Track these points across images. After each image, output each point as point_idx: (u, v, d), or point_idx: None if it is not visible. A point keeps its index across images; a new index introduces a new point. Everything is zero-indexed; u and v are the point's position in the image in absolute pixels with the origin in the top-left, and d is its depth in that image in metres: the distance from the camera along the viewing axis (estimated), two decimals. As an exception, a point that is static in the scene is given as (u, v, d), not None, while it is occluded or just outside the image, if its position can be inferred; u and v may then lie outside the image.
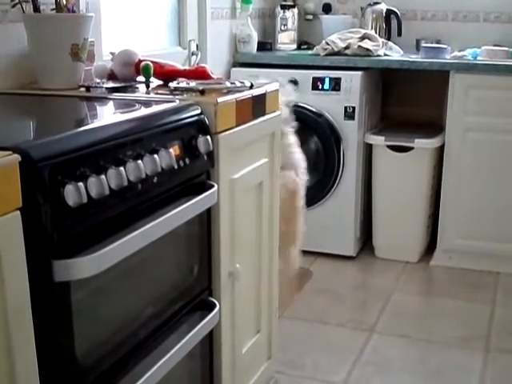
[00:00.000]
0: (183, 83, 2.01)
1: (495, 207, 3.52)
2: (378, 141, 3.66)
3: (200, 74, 2.12)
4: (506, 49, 3.62)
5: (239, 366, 2.14)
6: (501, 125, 3.42)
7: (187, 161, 1.65)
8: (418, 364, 2.70)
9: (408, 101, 4.07)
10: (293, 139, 2.64)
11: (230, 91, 1.96)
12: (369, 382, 2.57)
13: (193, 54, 3.32)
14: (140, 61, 2.12)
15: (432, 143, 3.59)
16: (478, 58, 3.62)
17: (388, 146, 3.63)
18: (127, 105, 1.79)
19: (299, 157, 2.69)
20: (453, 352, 2.81)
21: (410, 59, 3.58)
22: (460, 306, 3.24)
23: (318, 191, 3.72)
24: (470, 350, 2.81)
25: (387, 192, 3.70)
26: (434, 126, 3.78)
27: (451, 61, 3.51)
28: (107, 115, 1.91)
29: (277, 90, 2.23)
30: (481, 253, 3.58)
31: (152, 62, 2.09)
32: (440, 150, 3.62)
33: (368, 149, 3.75)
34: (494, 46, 3.69)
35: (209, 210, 1.83)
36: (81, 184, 1.24)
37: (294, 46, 4.05)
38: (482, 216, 3.55)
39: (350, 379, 2.58)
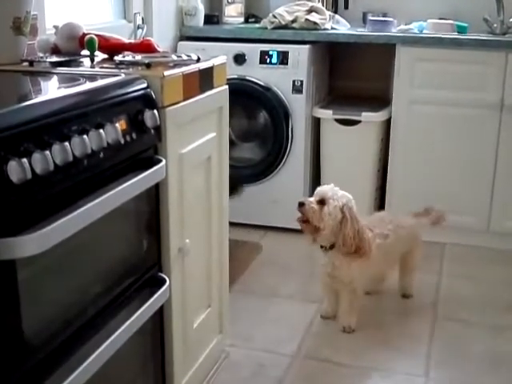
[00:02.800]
0: (129, 57, 1.98)
1: (441, 179, 3.58)
2: (325, 114, 3.68)
3: (146, 47, 2.10)
4: (452, 22, 3.66)
5: (190, 341, 2.14)
6: (446, 98, 3.47)
7: (134, 135, 1.63)
8: (368, 334, 2.74)
9: (355, 74, 4.09)
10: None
11: (176, 65, 1.94)
12: (319, 353, 2.60)
13: (138, 28, 3.27)
14: (84, 34, 2.08)
15: (379, 116, 3.62)
16: (424, 31, 3.65)
17: (336, 120, 3.65)
18: (71, 79, 1.75)
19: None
20: (402, 321, 2.86)
21: (357, 33, 3.59)
22: (407, 276, 3.29)
23: (266, 166, 3.73)
24: (418, 319, 2.87)
25: (335, 165, 3.72)
26: (380, 100, 3.81)
27: (397, 34, 3.54)
28: (51, 90, 1.87)
29: (224, 63, 2.21)
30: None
31: (96, 35, 2.06)
32: (387, 123, 3.65)
33: (316, 122, 3.76)
34: (440, 19, 3.73)
35: (157, 186, 1.81)
36: (25, 160, 1.21)
37: (242, 19, 4.02)
38: (428, 188, 3.60)
39: (301, 351, 2.61)
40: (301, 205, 2.63)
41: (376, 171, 3.74)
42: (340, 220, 2.60)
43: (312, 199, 2.64)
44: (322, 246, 2.70)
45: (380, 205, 3.82)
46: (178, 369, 2.04)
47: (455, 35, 3.51)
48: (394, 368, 2.51)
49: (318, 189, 2.70)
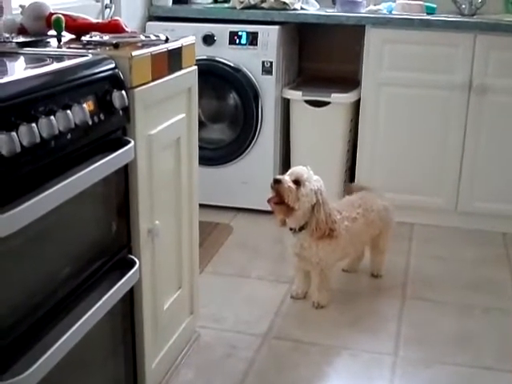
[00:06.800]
0: (96, 37, 1.96)
1: (409, 160, 3.61)
2: (295, 96, 3.67)
3: (113, 27, 2.07)
4: (421, 3, 3.67)
5: (161, 323, 2.14)
6: (415, 79, 3.49)
7: (102, 116, 1.61)
8: (338, 313, 2.76)
9: (325, 56, 4.09)
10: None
11: (144, 45, 1.92)
12: (290, 332, 2.62)
13: (106, 7, 3.23)
14: (51, 14, 2.05)
15: (348, 98, 3.63)
16: (393, 12, 3.66)
17: (305, 101, 3.65)
18: (38, 59, 1.73)
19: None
20: (372, 300, 2.89)
21: (327, 13, 3.59)
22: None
23: (237, 147, 3.72)
24: (387, 298, 2.90)
25: (305, 146, 3.73)
26: (350, 81, 3.81)
27: (367, 15, 3.54)
28: (17, 70, 1.84)
29: (193, 43, 2.20)
30: (396, 205, 3.66)
31: (64, 15, 2.03)
32: (356, 105, 3.66)
33: (286, 104, 3.76)
34: (409, -1, 3.74)
35: (126, 167, 1.80)
36: (-9, 141, 1.20)
37: (211, -1, 3.99)
38: (397, 169, 3.63)
39: (272, 331, 2.62)
40: (277, 182, 2.59)
41: (345, 152, 3.76)
42: (313, 204, 2.61)
43: (287, 178, 2.61)
44: (291, 229, 2.71)
45: (349, 186, 3.84)
46: (148, 350, 2.05)
47: (424, 16, 3.52)
48: (363, 347, 2.54)
49: (293, 169, 2.68)
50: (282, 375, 2.36)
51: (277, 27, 3.52)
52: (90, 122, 1.55)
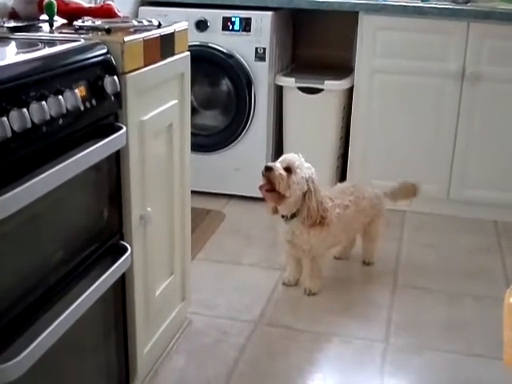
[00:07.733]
0: (88, 22, 1.95)
1: (402, 148, 3.61)
2: (288, 82, 3.67)
3: (106, 12, 2.06)
4: (414, -10, 3.66)
5: (153, 309, 2.14)
6: (408, 66, 3.48)
7: (94, 102, 1.61)
8: (329, 300, 2.77)
9: (318, 42, 4.08)
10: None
11: (137, 30, 1.91)
12: (281, 319, 2.63)
13: (99, -8, 3.21)
14: (43, -2, 2.04)
15: (341, 85, 3.62)
16: (387, -2, 3.65)
17: (298, 88, 3.64)
18: (30, 44, 1.72)
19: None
20: (363, 287, 2.90)
21: None
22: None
23: (229, 133, 3.72)
24: (379, 286, 2.91)
25: (298, 133, 3.73)
26: (343, 68, 3.81)
27: (361, 1, 3.52)
28: (8, 55, 1.83)
29: (185, 29, 2.19)
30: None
31: (56, -1, 2.02)
32: (349, 92, 3.66)
33: (279, 90, 3.75)
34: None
35: (118, 153, 1.80)
36: (-19, 126, 1.19)
37: (204, -15, 3.96)
38: (389, 156, 3.63)
39: (263, 318, 2.63)
40: (268, 169, 2.58)
41: (338, 139, 3.75)
42: (304, 192, 2.61)
43: (279, 165, 2.61)
44: (282, 216, 2.72)
45: (342, 173, 3.84)
46: (140, 336, 2.05)
47: (418, 3, 3.51)
48: (354, 333, 2.55)
49: (285, 156, 2.67)
50: (273, 361, 2.37)
51: (270, 13, 3.51)
52: (82, 108, 1.54)
